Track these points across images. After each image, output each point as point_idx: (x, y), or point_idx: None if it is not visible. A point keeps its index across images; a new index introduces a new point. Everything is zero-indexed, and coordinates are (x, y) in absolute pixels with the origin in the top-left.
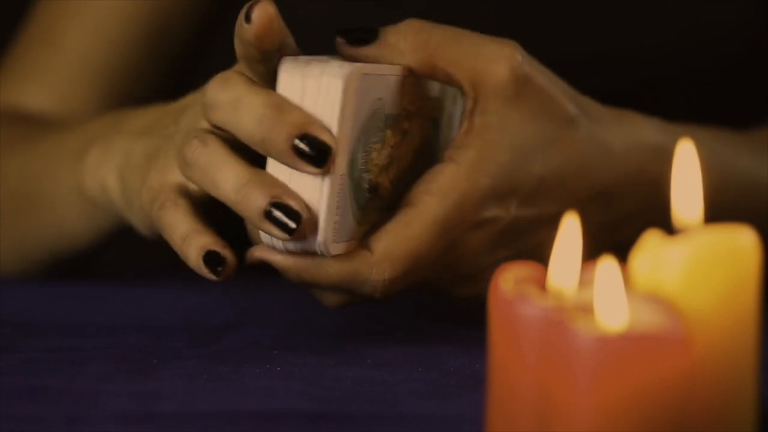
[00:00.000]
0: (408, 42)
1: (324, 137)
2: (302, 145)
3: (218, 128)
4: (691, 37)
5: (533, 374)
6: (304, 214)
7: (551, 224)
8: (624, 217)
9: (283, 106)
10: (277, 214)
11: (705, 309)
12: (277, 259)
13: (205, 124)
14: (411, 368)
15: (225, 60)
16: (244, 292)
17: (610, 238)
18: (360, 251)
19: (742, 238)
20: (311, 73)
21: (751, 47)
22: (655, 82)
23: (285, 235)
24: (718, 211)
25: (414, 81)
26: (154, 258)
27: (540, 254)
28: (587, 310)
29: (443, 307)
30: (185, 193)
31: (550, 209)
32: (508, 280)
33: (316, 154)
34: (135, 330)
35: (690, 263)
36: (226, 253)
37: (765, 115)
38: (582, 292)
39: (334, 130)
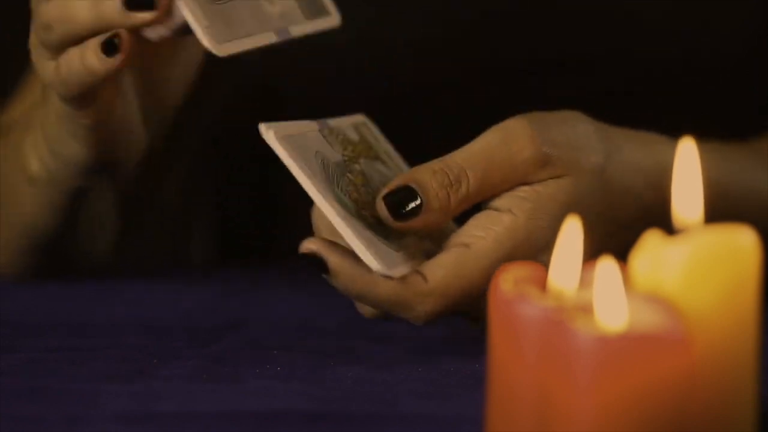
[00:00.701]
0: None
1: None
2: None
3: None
4: (690, 36)
5: (533, 374)
6: None
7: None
8: (628, 224)
9: None
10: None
11: (705, 309)
12: (333, 260)
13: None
14: (411, 368)
15: None
16: (245, 292)
17: (611, 246)
18: (414, 277)
19: (742, 238)
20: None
21: (751, 47)
22: (655, 82)
23: (152, 12)
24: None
25: (331, 132)
26: (154, 258)
27: None
28: (587, 310)
29: None
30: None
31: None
32: (508, 280)
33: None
34: (135, 330)
35: (690, 263)
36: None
37: (765, 115)
38: (582, 292)
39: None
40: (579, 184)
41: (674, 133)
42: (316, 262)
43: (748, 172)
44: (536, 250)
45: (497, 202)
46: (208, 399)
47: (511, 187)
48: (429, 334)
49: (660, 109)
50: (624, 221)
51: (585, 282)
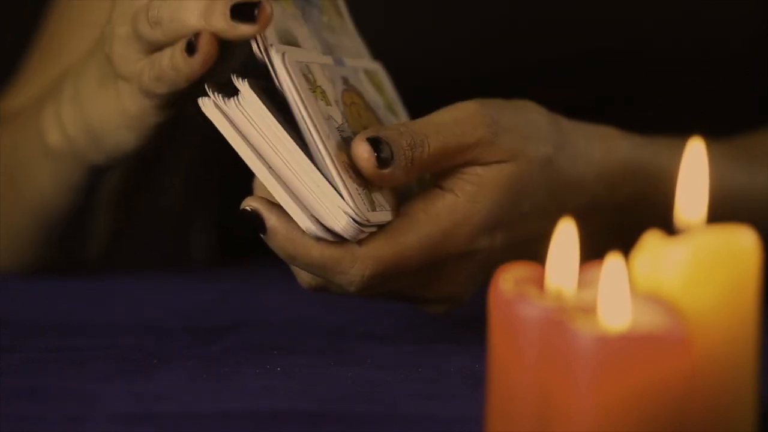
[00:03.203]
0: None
1: None
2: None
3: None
4: (690, 35)
5: (533, 374)
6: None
7: (528, 243)
8: (593, 232)
9: None
10: (240, 5)
11: (705, 309)
12: (271, 219)
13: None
14: (411, 368)
15: None
16: (245, 292)
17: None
18: (348, 244)
19: (742, 238)
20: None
21: (751, 45)
22: (653, 79)
23: (254, 25)
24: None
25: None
26: (154, 258)
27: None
28: (587, 310)
29: None
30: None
31: (530, 232)
32: (508, 280)
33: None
34: (135, 330)
35: (690, 263)
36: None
37: (764, 114)
38: (581, 292)
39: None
40: (523, 171)
41: (674, 130)
42: (254, 221)
43: (737, 169)
44: (475, 231)
45: (443, 181)
46: (208, 399)
47: (461, 165)
48: (429, 334)
49: (660, 107)
50: (571, 212)
51: (584, 282)
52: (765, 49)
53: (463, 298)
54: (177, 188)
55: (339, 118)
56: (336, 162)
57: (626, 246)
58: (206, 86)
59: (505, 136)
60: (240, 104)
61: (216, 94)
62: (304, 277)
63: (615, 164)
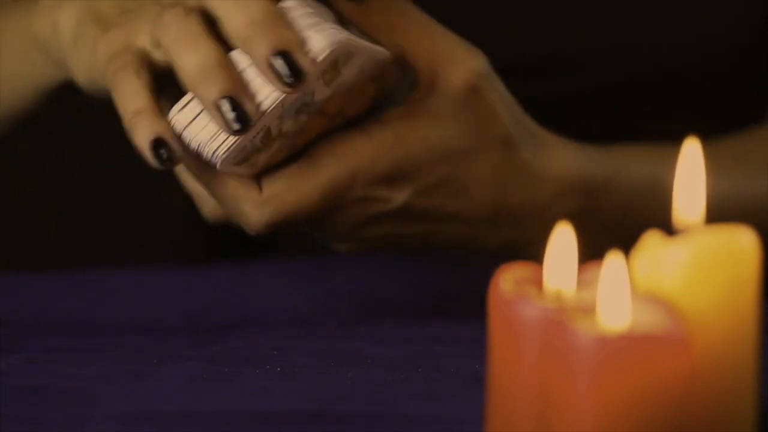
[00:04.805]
0: (386, 18)
1: (302, 62)
2: (279, 62)
3: (206, 10)
4: (688, 32)
5: (533, 374)
6: (253, 120)
7: (444, 221)
8: (528, 240)
9: (280, 19)
10: (226, 109)
11: (705, 309)
12: (180, 150)
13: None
14: (411, 368)
15: None
16: (245, 292)
17: (512, 256)
18: (251, 185)
19: (742, 238)
20: (307, 23)
21: (749, 44)
22: (651, 77)
23: (228, 129)
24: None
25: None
26: (154, 257)
27: (425, 243)
28: (587, 310)
29: (444, 307)
30: (149, 63)
31: (449, 208)
32: (508, 280)
33: (288, 74)
34: (135, 330)
35: (690, 263)
36: (175, 145)
37: (763, 112)
38: (581, 292)
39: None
40: (463, 138)
41: (673, 127)
42: (164, 151)
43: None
44: (378, 179)
45: (365, 123)
46: (208, 399)
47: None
48: (429, 334)
49: (659, 104)
50: (517, 208)
51: (583, 283)
52: (764, 48)
53: (364, 240)
54: (177, 188)
55: None
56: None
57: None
58: None
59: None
60: None
61: None
62: (208, 206)
63: (566, 175)
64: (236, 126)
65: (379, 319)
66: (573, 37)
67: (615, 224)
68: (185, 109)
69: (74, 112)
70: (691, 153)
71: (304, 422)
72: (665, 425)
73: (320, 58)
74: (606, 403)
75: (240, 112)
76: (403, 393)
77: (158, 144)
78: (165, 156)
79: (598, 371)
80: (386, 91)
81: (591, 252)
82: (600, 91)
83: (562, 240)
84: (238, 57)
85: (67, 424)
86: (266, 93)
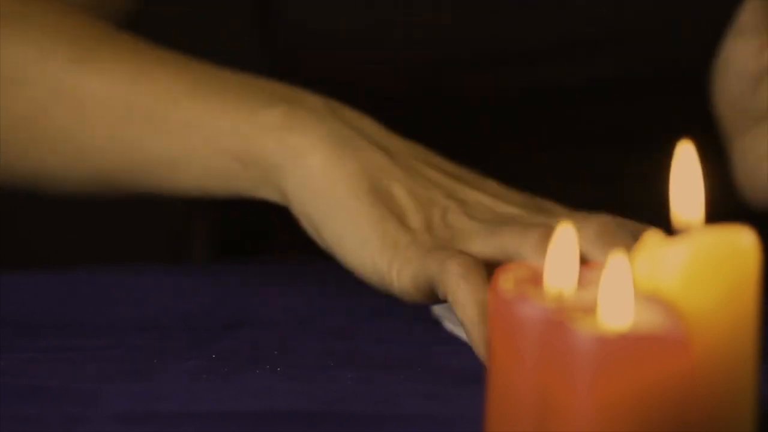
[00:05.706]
0: None
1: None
2: None
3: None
4: (686, 30)
5: (533, 374)
6: None
7: None
8: None
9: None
10: None
11: (705, 309)
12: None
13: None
14: (411, 368)
15: None
16: (245, 292)
17: None
18: None
19: (742, 238)
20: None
21: None
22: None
23: None
24: None
25: None
26: (153, 257)
27: None
28: (587, 310)
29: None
30: (481, 271)
31: None
32: (508, 280)
33: None
34: (135, 330)
35: (690, 263)
36: None
37: None
38: (581, 292)
39: None
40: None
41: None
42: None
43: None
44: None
45: None
46: (208, 399)
47: None
48: (429, 334)
49: (657, 102)
50: None
51: (583, 283)
52: None
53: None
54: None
55: None
56: None
57: None
58: None
59: None
60: None
61: None
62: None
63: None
64: None
65: (379, 318)
66: (570, 32)
67: None
68: None
69: None
70: (688, 153)
71: (304, 422)
72: (665, 425)
73: None
74: (606, 403)
75: None
76: (403, 393)
77: None
78: None
79: (598, 371)
80: None
81: None
82: (609, 81)
83: (562, 240)
84: None
85: (67, 424)
86: None
